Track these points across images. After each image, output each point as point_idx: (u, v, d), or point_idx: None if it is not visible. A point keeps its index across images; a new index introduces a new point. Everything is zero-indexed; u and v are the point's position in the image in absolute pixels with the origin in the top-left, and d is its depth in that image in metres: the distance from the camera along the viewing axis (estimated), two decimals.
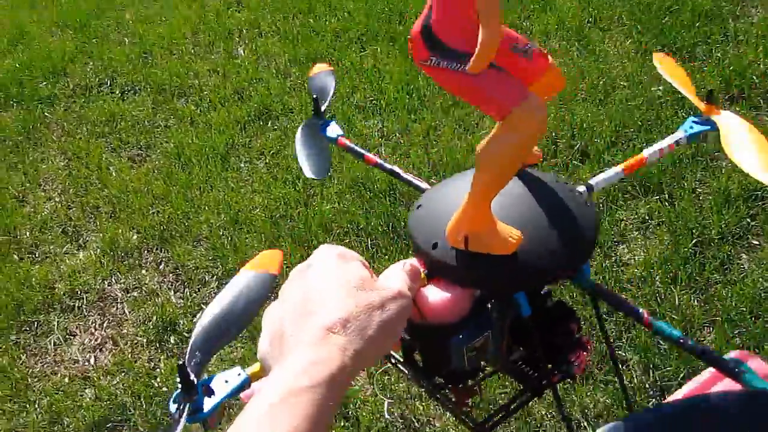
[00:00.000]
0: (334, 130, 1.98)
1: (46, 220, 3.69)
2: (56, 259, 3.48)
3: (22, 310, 3.24)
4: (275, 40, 4.73)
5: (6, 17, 5.83)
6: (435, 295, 1.14)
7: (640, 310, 1.12)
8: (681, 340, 1.05)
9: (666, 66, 2.05)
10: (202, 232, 3.41)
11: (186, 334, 3.01)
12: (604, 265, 2.87)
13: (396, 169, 1.80)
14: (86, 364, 3.00)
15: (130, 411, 2.75)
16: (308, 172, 1.70)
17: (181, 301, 3.15)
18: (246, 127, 4.04)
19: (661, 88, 3.64)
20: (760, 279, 2.72)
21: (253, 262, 1.49)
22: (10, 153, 4.24)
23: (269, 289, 1.48)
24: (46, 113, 4.52)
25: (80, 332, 3.14)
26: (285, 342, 0.67)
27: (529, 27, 4.31)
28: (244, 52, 4.72)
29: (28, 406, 2.84)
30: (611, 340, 2.40)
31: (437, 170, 3.43)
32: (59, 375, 2.96)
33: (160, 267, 3.35)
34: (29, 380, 2.95)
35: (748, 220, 2.94)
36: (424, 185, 1.63)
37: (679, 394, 1.00)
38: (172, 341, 2.99)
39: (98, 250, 3.47)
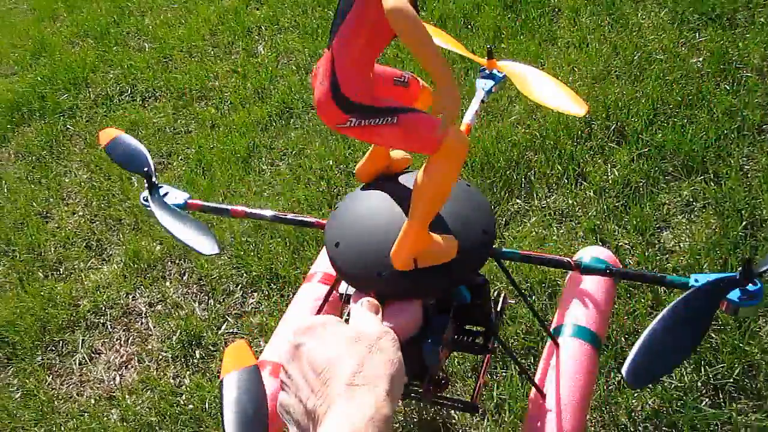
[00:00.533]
0: (175, 195, 1.85)
1: (69, 235, 3.62)
2: (81, 274, 3.40)
3: (48, 329, 3.17)
4: (295, 35, 4.60)
5: (31, 29, 5.80)
6: (394, 318, 1.30)
7: (564, 258, 1.58)
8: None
9: (436, 34, 2.12)
10: (225, 240, 3.30)
11: (211, 347, 2.91)
12: (647, 253, 2.67)
13: (270, 213, 1.81)
14: (111, 383, 2.91)
15: (157, 430, 2.66)
16: (203, 251, 1.67)
17: (206, 313, 3.04)
18: (267, 127, 3.92)
19: (701, 60, 3.40)
20: None
21: (226, 366, 1.52)
22: (33, 168, 4.19)
23: (259, 377, 1.47)
24: (68, 125, 4.46)
25: (105, 350, 3.06)
26: (315, 415, 0.70)
27: (557, 3, 4.10)
28: (263, 50, 4.59)
29: (54, 429, 2.77)
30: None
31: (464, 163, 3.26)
32: (85, 396, 2.88)
33: (184, 278, 3.25)
34: (55, 403, 2.88)
35: None
36: (312, 219, 1.71)
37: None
38: (197, 356, 2.89)
39: (121, 263, 3.39)
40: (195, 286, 3.19)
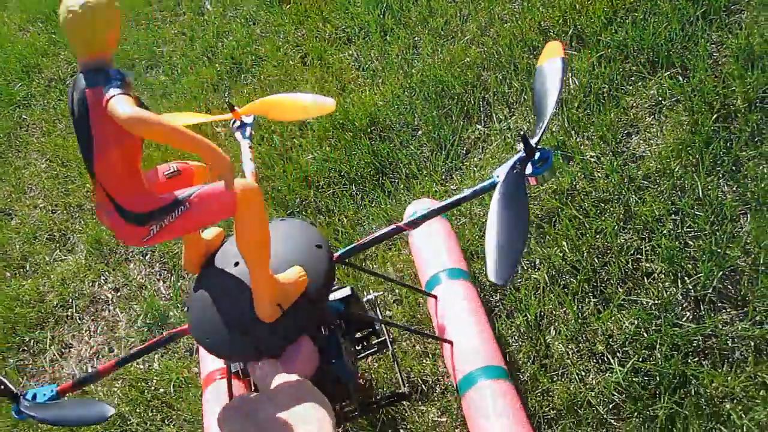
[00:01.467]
0: (44, 392, 1.80)
1: (33, 230, 3.50)
2: (47, 268, 3.29)
3: (17, 329, 3.07)
4: None
5: None
6: (292, 363, 1.44)
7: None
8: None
9: (178, 115, 2.09)
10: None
11: (178, 326, 2.78)
12: (614, 164, 2.47)
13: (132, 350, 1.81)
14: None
15: (129, 420, 2.56)
16: (97, 421, 1.65)
17: (170, 290, 2.91)
18: (218, 86, 3.73)
19: None
20: None
21: None
22: None
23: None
24: (24, 116, 4.31)
25: (76, 343, 2.96)
26: None
27: None
28: (211, 6, 4.37)
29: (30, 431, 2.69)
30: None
31: (416, 95, 3.05)
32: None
33: (146, 258, 3.12)
34: None
35: None
36: (176, 331, 1.77)
37: None
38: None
39: (84, 251, 3.27)
40: (158, 264, 3.07)
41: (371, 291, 1.99)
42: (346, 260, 1.73)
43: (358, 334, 1.88)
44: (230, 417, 1.37)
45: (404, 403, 2.17)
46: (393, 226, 1.69)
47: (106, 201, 1.29)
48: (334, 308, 1.65)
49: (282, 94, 2.07)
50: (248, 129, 2.03)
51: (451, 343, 1.95)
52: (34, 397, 1.74)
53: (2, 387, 1.72)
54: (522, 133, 1.48)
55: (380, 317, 1.91)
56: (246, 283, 1.47)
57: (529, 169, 1.49)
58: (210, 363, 2.23)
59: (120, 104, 1.15)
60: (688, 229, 2.24)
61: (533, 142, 1.49)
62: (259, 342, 1.45)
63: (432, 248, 2.22)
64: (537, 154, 1.49)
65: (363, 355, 1.89)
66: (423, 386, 2.22)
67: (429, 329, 2.29)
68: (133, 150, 1.29)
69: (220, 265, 1.59)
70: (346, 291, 1.71)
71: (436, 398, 2.18)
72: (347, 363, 1.57)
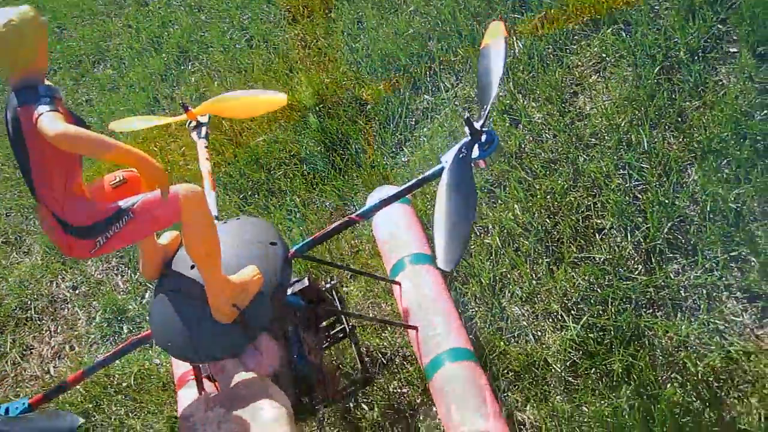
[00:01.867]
0: (15, 405, 1.82)
1: None
2: (4, 272, 3.23)
3: None
4: None
5: None
6: (253, 361, 1.53)
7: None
8: None
9: (125, 122, 2.16)
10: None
11: (137, 320, 2.76)
12: (562, 124, 2.46)
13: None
14: (46, 377, 2.77)
15: (93, 417, 2.53)
16: None
17: (128, 284, 2.88)
18: (166, 76, 3.68)
19: None
20: (742, 92, 2.30)
21: None
22: None
23: None
24: None
25: (37, 344, 2.91)
26: None
27: None
28: None
29: None
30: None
31: (362, 70, 3.02)
32: (21, 396, 2.75)
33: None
34: None
35: (719, 26, 2.49)
36: (138, 337, 1.79)
37: None
38: (125, 330, 2.74)
39: (40, 252, 3.22)
40: (114, 259, 3.02)
41: (330, 278, 2.00)
42: (299, 256, 1.73)
43: (324, 323, 1.88)
44: (188, 427, 1.41)
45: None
46: (345, 219, 1.70)
47: (51, 218, 1.30)
48: (293, 303, 1.65)
49: (233, 92, 2.06)
50: (204, 129, 2.03)
51: (416, 328, 1.94)
52: (7, 411, 1.75)
53: None
54: (466, 116, 1.48)
55: (341, 302, 1.95)
56: (203, 285, 1.47)
57: (476, 152, 1.50)
58: (182, 365, 2.21)
59: (48, 122, 1.15)
60: (636, 183, 2.25)
61: (478, 125, 1.50)
62: (218, 343, 1.46)
63: (395, 234, 2.20)
64: (483, 137, 1.50)
65: (327, 345, 1.90)
66: (383, 360, 2.21)
67: (389, 305, 2.28)
68: (70, 164, 1.29)
69: (178, 268, 1.58)
70: (304, 283, 1.71)
71: (396, 370, 2.17)
72: (309, 358, 1.61)
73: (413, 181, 1.61)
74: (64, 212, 1.29)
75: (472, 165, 1.48)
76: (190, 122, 2.00)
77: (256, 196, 2.84)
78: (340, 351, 2.25)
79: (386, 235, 2.23)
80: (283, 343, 1.59)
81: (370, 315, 2.29)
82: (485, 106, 1.50)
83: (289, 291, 1.69)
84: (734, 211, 2.08)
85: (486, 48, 1.59)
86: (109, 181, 1.52)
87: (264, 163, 2.91)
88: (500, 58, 1.52)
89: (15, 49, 1.22)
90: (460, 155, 1.50)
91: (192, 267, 1.55)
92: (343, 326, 1.91)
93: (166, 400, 2.38)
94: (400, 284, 2.07)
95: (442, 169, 1.52)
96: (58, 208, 1.29)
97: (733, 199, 2.09)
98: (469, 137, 1.50)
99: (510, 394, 2.00)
